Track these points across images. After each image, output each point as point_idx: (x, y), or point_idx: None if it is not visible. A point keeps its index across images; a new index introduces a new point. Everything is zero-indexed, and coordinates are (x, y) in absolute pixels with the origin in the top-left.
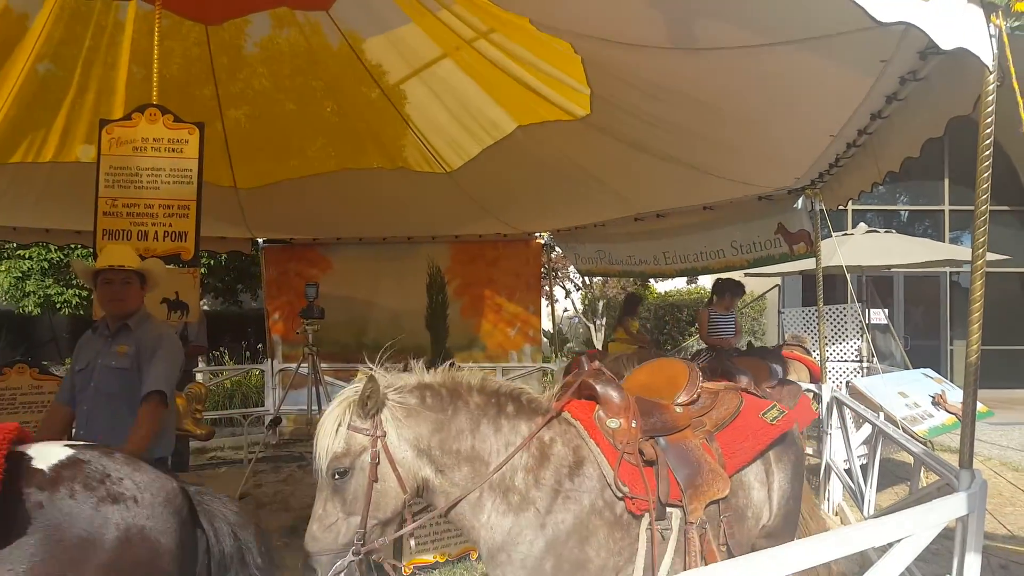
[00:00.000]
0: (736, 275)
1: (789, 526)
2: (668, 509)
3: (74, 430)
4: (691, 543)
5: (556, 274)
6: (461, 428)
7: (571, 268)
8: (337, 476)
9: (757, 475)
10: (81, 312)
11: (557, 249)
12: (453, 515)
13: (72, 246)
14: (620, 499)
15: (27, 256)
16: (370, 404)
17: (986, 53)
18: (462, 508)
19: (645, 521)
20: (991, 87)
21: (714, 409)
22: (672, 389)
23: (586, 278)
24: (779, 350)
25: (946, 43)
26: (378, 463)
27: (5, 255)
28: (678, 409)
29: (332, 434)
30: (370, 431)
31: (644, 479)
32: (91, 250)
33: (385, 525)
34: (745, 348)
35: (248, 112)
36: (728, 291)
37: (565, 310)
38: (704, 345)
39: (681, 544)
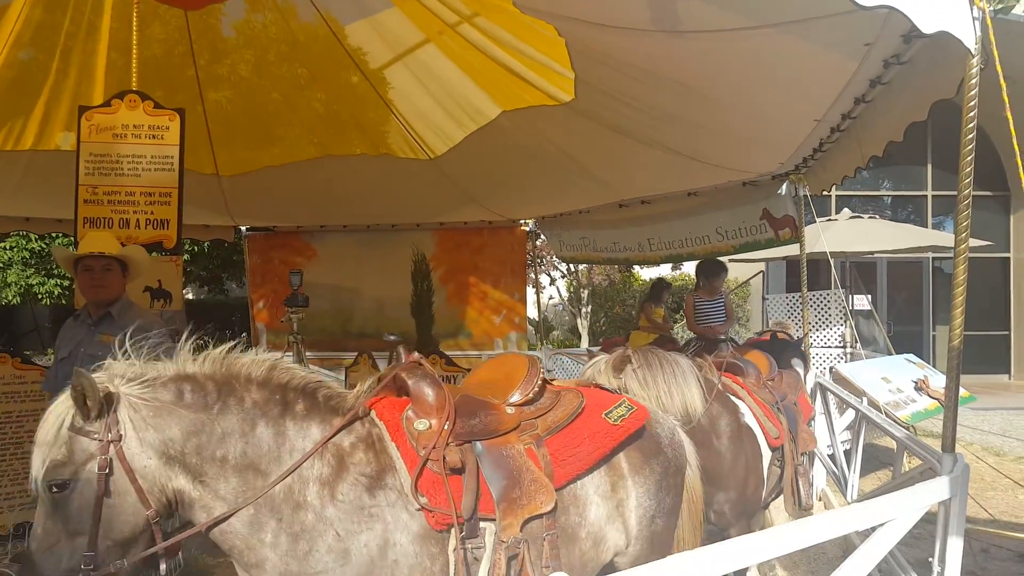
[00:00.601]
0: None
1: (658, 549)
2: (482, 524)
3: None
4: (496, 566)
5: (541, 261)
6: (229, 430)
7: (556, 257)
8: (55, 489)
9: (599, 487)
10: (63, 302)
11: (542, 236)
12: (219, 533)
13: (53, 235)
14: (419, 511)
15: (7, 247)
16: (90, 403)
17: (968, 37)
18: (233, 526)
19: (453, 539)
20: (974, 71)
21: (551, 410)
22: (508, 387)
23: (571, 265)
24: (799, 344)
25: (928, 27)
26: (109, 474)
27: None
28: (509, 410)
29: (51, 439)
30: (99, 435)
31: (448, 490)
32: (72, 239)
33: (125, 546)
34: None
35: (230, 99)
36: (706, 273)
37: (551, 298)
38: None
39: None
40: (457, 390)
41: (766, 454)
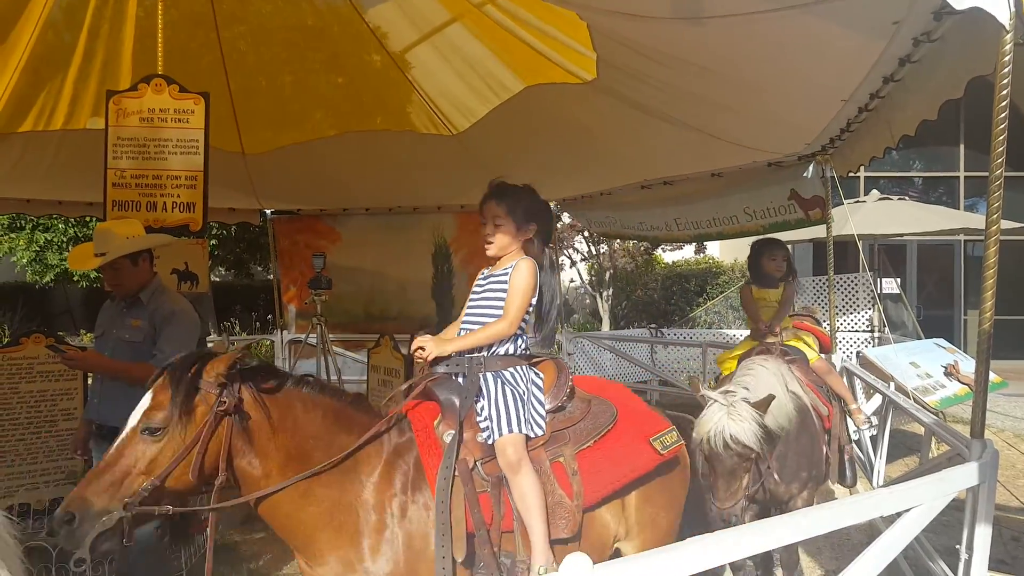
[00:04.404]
0: (741, 242)
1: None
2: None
3: (88, 398)
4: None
5: (562, 244)
6: None
7: (576, 238)
8: None
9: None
10: (97, 285)
11: (563, 219)
12: None
13: (87, 219)
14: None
15: (47, 229)
16: None
17: (1003, 12)
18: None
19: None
20: (1008, 47)
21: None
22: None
23: (592, 248)
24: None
25: (960, 2)
26: None
27: (24, 230)
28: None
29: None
30: None
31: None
32: (103, 221)
33: None
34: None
35: (255, 77)
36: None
37: (571, 281)
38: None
39: None
40: None
41: None
